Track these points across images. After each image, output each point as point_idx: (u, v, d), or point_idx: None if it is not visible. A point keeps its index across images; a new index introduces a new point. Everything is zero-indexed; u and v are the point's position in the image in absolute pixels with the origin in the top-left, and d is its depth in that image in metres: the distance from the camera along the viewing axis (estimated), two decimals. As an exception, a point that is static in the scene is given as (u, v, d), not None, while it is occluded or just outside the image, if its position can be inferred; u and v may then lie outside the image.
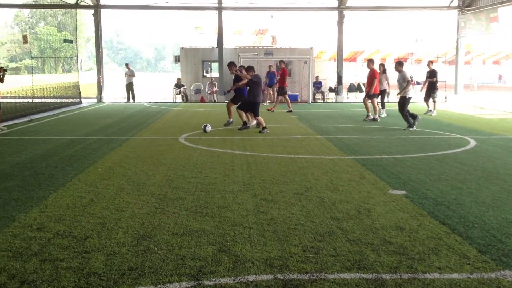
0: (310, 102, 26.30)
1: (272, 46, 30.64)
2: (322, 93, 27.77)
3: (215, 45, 28.21)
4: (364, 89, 23.12)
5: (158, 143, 11.51)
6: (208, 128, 13.50)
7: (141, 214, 5.84)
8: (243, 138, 12.38)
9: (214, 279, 4.08)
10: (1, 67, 13.49)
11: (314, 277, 4.13)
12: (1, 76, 13.55)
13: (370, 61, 17.26)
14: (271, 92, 25.34)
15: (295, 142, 11.85)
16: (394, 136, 12.89)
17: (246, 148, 10.75)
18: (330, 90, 28.83)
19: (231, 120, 14.61)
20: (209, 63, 29.80)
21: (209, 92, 27.49)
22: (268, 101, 25.32)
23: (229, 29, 30.74)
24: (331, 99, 28.32)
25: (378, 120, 16.57)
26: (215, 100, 27.02)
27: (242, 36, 33.12)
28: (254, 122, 14.39)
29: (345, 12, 27.57)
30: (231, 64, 14.59)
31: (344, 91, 29.17)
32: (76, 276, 4.10)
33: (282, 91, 20.96)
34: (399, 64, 14.71)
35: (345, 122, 16.29)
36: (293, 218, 5.72)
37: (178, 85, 27.85)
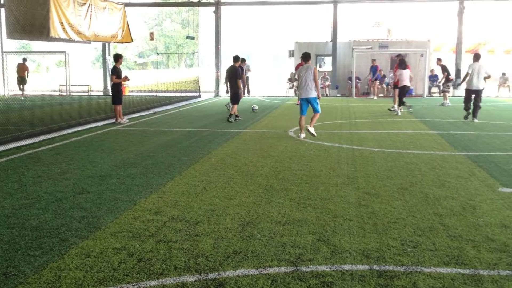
0: (425, 96, 25.45)
1: (387, 39, 30.00)
2: (438, 86, 26.71)
3: (329, 39, 28.22)
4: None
5: (268, 136, 11.94)
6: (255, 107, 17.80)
7: (248, 203, 6.22)
8: (351, 133, 12.43)
9: (311, 266, 4.31)
10: (126, 76, 14.96)
11: (409, 270, 4.21)
12: (124, 81, 15.25)
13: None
14: (377, 87, 25.12)
15: (404, 137, 11.67)
16: (514, 132, 12.22)
17: (353, 142, 10.81)
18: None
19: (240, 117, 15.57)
20: (323, 57, 29.88)
21: (321, 86, 27.59)
22: (374, 96, 25.00)
23: (344, 23, 30.71)
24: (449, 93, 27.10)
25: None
26: (327, 94, 27.09)
27: (357, 29, 32.94)
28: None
29: (466, 3, 26.25)
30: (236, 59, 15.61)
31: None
32: (187, 257, 4.54)
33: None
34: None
35: (460, 118, 15.62)
36: (394, 212, 5.78)
37: (291, 80, 28.28)
